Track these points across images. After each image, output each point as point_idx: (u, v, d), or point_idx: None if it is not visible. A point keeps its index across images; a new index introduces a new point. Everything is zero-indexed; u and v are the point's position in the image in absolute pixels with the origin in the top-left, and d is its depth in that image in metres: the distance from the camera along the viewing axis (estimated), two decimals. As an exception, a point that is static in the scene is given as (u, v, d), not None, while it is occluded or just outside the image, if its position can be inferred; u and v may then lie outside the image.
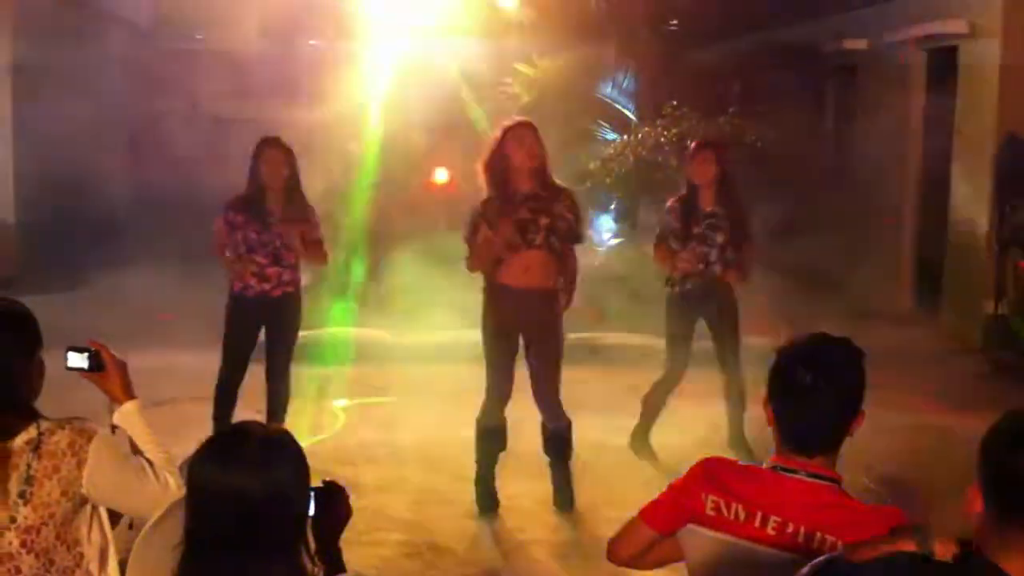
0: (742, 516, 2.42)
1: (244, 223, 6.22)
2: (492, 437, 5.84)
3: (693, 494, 2.48)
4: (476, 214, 5.67)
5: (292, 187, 6.29)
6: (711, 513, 2.45)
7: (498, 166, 5.64)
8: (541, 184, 5.66)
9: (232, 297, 6.30)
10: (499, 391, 5.77)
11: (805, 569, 1.95)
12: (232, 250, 6.26)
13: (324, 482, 2.27)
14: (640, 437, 6.77)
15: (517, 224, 5.57)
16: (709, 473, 2.50)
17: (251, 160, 6.27)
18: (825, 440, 2.44)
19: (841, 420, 2.45)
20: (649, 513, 2.58)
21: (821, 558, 2.00)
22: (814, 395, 2.41)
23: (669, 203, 6.77)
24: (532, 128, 5.68)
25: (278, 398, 6.39)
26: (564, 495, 5.93)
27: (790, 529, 2.38)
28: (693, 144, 6.88)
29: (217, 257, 6.42)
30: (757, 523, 2.40)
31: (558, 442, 5.89)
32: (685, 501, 2.50)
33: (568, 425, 5.91)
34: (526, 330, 5.75)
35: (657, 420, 6.81)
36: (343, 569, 2.29)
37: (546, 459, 5.95)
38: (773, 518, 2.39)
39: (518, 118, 5.87)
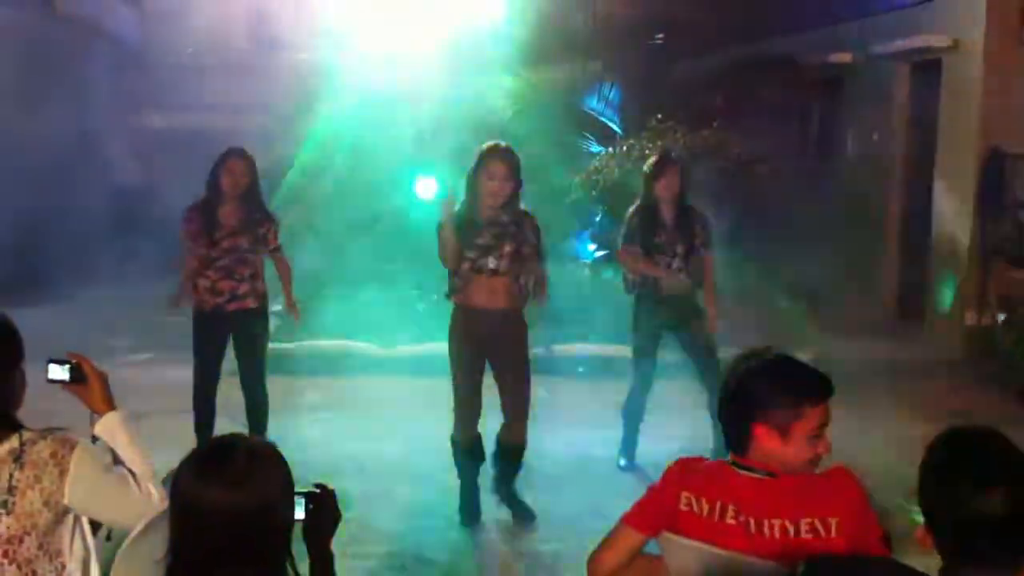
0: (705, 510, 2.52)
1: (196, 235, 6.22)
2: (468, 452, 5.86)
3: (669, 492, 2.61)
4: (444, 219, 5.64)
5: (250, 196, 6.27)
6: (684, 509, 2.56)
7: (470, 190, 5.66)
8: (508, 210, 5.66)
9: (195, 311, 6.30)
10: (469, 405, 5.77)
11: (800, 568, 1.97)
12: (189, 264, 6.28)
13: (315, 486, 2.30)
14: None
15: (480, 249, 5.61)
16: (684, 471, 2.65)
17: (212, 169, 6.25)
18: (731, 439, 2.61)
19: (730, 428, 2.62)
20: (632, 516, 2.70)
21: (814, 557, 2.03)
22: (726, 394, 2.62)
23: (630, 213, 6.80)
24: (504, 158, 5.64)
25: (255, 409, 6.39)
26: (523, 509, 5.94)
27: (757, 525, 2.45)
28: (656, 159, 6.87)
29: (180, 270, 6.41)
30: (717, 516, 2.51)
31: (513, 456, 5.90)
32: (663, 499, 2.63)
33: (524, 447, 5.92)
34: (492, 350, 5.76)
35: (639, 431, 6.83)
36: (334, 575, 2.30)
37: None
38: (740, 514, 2.48)
39: (492, 145, 5.78)
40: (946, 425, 2.20)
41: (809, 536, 2.39)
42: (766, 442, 2.51)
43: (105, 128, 14.43)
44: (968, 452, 1.97)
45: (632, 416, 6.82)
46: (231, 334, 6.36)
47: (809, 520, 2.40)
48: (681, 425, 7.03)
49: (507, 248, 5.64)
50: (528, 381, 5.82)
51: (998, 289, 10.05)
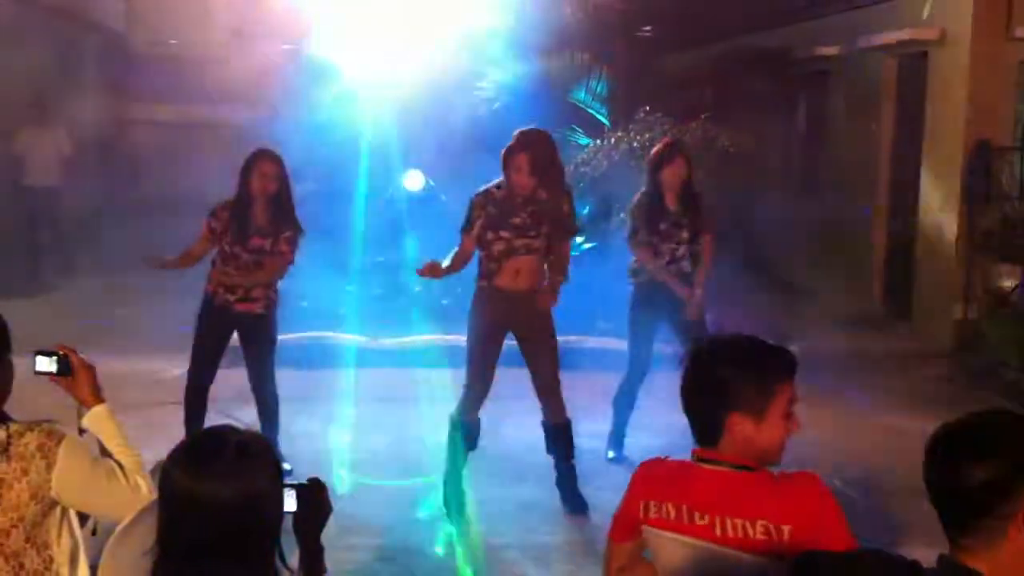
0: (672, 514, 2.49)
1: (223, 232, 6.16)
2: (465, 434, 5.85)
3: (633, 504, 2.59)
4: (476, 206, 5.73)
5: (280, 200, 6.20)
6: (653, 516, 2.53)
7: (505, 168, 5.70)
8: (545, 186, 5.68)
9: (204, 299, 6.24)
10: (479, 389, 5.79)
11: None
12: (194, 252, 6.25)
13: (308, 479, 2.29)
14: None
15: (515, 229, 5.66)
16: (644, 479, 2.61)
17: (242, 169, 6.18)
18: (702, 431, 2.52)
19: (703, 419, 2.52)
20: (613, 531, 2.69)
21: (802, 556, 2.02)
22: (692, 384, 2.53)
23: (633, 202, 6.80)
24: (527, 150, 5.63)
25: (265, 408, 6.33)
26: (573, 495, 5.95)
27: (721, 526, 2.43)
28: (662, 145, 6.85)
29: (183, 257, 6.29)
30: (685, 519, 2.47)
31: (560, 439, 5.92)
32: (629, 511, 2.60)
33: (569, 423, 5.94)
34: (519, 330, 5.81)
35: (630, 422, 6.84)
36: (323, 570, 2.30)
37: (549, 460, 5.98)
38: (705, 515, 2.45)
39: (519, 134, 5.77)
40: (932, 418, 2.21)
41: (763, 538, 2.36)
42: (741, 429, 2.45)
43: (93, 119, 14.35)
44: (963, 426, 1.98)
45: (622, 406, 6.81)
46: (239, 334, 6.30)
47: (764, 522, 2.36)
48: (672, 417, 7.03)
49: (544, 228, 5.69)
50: (557, 358, 5.85)
51: (984, 283, 10.10)
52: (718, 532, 2.41)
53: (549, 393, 5.85)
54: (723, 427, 2.46)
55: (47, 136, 12.37)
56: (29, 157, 12.33)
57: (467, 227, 5.76)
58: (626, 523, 2.62)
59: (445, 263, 5.80)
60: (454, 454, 5.90)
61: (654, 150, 6.89)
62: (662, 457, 2.67)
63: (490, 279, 5.75)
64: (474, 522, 5.85)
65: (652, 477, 2.59)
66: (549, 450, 5.99)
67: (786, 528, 2.34)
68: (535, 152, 5.64)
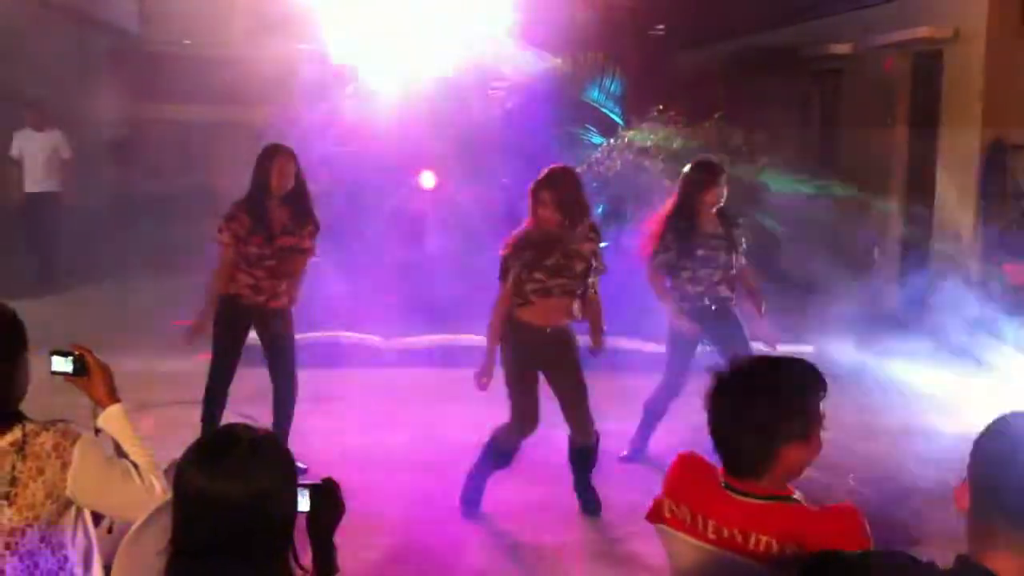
0: (688, 519, 2.48)
1: (247, 236, 6.03)
2: (502, 458, 5.90)
3: (659, 497, 2.58)
4: (510, 256, 5.67)
5: (297, 196, 6.13)
6: (668, 515, 2.53)
7: (532, 202, 5.66)
8: (572, 227, 5.64)
9: (227, 298, 6.10)
10: (524, 427, 5.78)
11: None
12: (231, 263, 6.06)
13: (321, 479, 2.30)
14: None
15: (547, 271, 5.62)
16: (672, 475, 2.59)
17: (257, 165, 6.08)
18: (739, 467, 2.43)
19: (752, 451, 2.40)
20: (649, 515, 2.65)
21: (815, 556, 2.01)
22: (724, 422, 2.41)
23: (663, 220, 6.46)
24: (551, 186, 5.60)
25: (282, 398, 6.33)
26: (590, 498, 5.97)
27: (743, 537, 2.39)
28: (704, 165, 6.50)
29: (215, 273, 6.13)
30: (700, 527, 2.45)
31: (585, 456, 5.95)
32: (657, 501, 2.60)
33: (597, 440, 5.95)
34: (546, 366, 5.79)
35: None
36: (335, 569, 2.30)
37: (569, 467, 5.99)
38: (723, 529, 2.42)
39: (546, 171, 5.71)
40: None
41: (789, 556, 2.33)
42: (790, 456, 2.39)
43: (105, 118, 14.41)
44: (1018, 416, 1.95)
45: (652, 414, 6.73)
46: (258, 331, 6.28)
47: (796, 550, 2.33)
48: (692, 416, 7.01)
49: (579, 267, 5.66)
50: (586, 388, 5.83)
51: (1001, 280, 10.04)
52: (739, 542, 2.38)
53: (579, 423, 5.84)
54: (774, 461, 2.39)
55: (43, 140, 12.10)
56: (27, 161, 12.11)
57: (503, 277, 5.69)
58: (658, 512, 2.61)
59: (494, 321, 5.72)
60: (485, 468, 5.92)
61: (690, 169, 6.52)
62: (698, 454, 2.62)
63: (518, 314, 5.69)
64: (488, 522, 5.85)
65: (680, 477, 2.56)
66: (572, 462, 5.99)
67: None
68: (561, 189, 5.62)
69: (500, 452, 5.86)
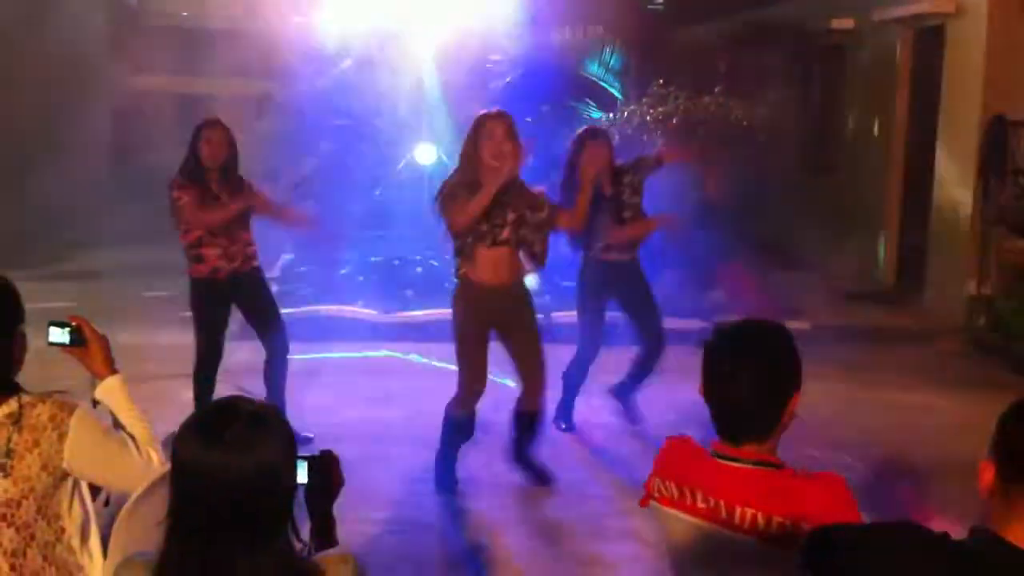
0: (675, 494, 2.48)
1: (199, 204, 6.11)
2: (462, 428, 5.86)
3: (651, 476, 2.58)
4: (453, 184, 5.60)
5: (229, 167, 6.24)
6: (656, 495, 2.54)
7: (468, 158, 5.61)
8: (510, 179, 5.56)
9: (203, 281, 6.20)
10: (474, 388, 5.74)
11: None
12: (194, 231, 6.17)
13: (320, 451, 2.30)
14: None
15: (484, 214, 5.53)
16: (662, 456, 2.59)
17: (191, 139, 6.20)
18: (749, 429, 2.43)
19: (765, 409, 2.42)
20: (643, 498, 2.66)
21: (817, 531, 2.01)
22: (734, 385, 2.40)
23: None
24: (503, 122, 5.57)
25: (276, 358, 6.38)
26: (533, 471, 5.97)
27: (728, 510, 2.39)
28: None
29: (183, 237, 6.23)
30: (688, 500, 2.45)
31: (531, 424, 5.92)
32: (648, 482, 2.60)
33: (541, 414, 5.95)
34: (500, 327, 5.75)
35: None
36: (335, 542, 2.29)
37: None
38: (709, 498, 2.42)
39: (490, 111, 5.73)
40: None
41: (776, 531, 2.33)
42: (793, 407, 2.42)
43: (102, 89, 14.36)
44: None
45: (574, 381, 6.85)
46: (237, 302, 6.33)
47: (781, 520, 2.33)
48: (682, 394, 7.03)
49: (510, 216, 5.60)
50: (541, 350, 5.80)
51: (999, 258, 10.04)
52: (723, 515, 2.39)
53: (532, 390, 5.80)
54: (784, 412, 2.41)
55: None
56: None
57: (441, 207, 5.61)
58: (648, 491, 2.62)
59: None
60: (450, 444, 5.90)
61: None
62: (687, 437, 2.62)
63: (469, 271, 5.65)
64: (487, 496, 5.86)
65: (668, 458, 2.57)
66: (515, 431, 5.97)
67: (804, 526, 2.30)
68: (509, 120, 5.58)
69: (458, 424, 5.83)
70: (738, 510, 2.37)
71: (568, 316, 8.75)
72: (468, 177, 5.58)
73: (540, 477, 5.98)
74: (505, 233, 5.59)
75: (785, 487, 2.37)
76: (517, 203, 5.62)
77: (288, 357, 6.45)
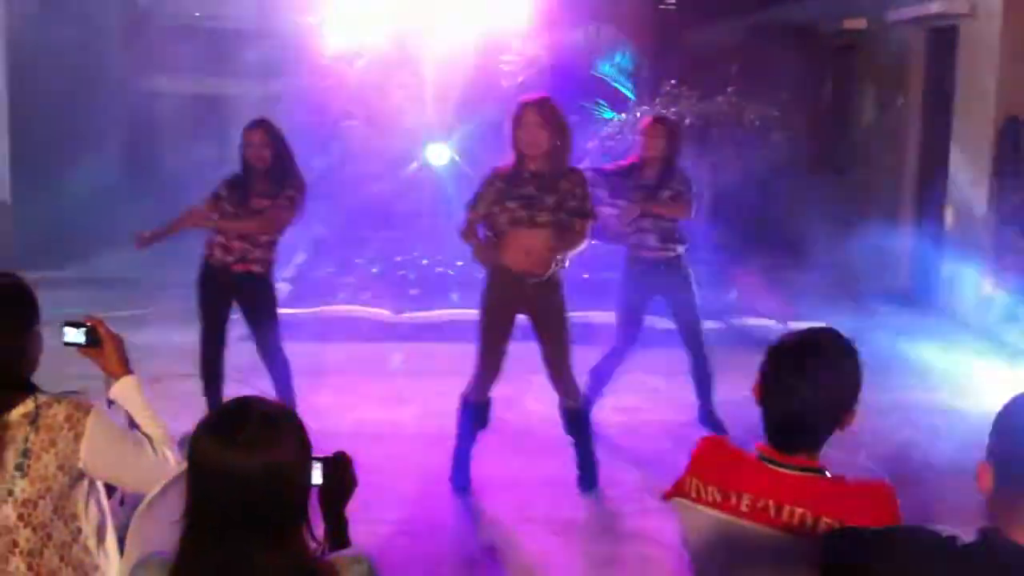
0: (718, 498, 2.46)
1: (226, 197, 6.24)
2: (477, 413, 5.84)
3: (683, 475, 2.56)
4: (485, 183, 5.65)
5: (277, 166, 6.22)
6: (693, 495, 2.52)
7: (511, 144, 5.62)
8: (550, 163, 5.58)
9: (205, 263, 6.27)
10: (490, 369, 5.75)
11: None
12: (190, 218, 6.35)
13: (334, 453, 2.30)
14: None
15: (522, 200, 5.53)
16: (699, 457, 2.57)
17: (240, 143, 6.27)
18: (805, 440, 2.43)
19: (827, 423, 2.43)
20: (670, 492, 2.64)
21: (835, 528, 2.01)
22: (798, 397, 2.39)
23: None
24: (540, 109, 5.55)
25: (277, 376, 6.36)
26: (586, 474, 5.93)
27: (777, 510, 2.39)
28: (648, 118, 6.89)
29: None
30: (733, 501, 2.44)
31: (576, 421, 5.89)
32: (681, 481, 2.57)
33: (584, 409, 5.93)
34: (529, 314, 5.73)
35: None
36: (348, 543, 2.30)
37: (567, 439, 5.95)
38: (757, 502, 2.41)
39: (531, 96, 5.73)
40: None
41: (822, 529, 2.33)
42: (847, 422, 2.44)
43: (115, 89, 14.38)
44: None
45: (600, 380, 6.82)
46: (238, 301, 6.33)
47: (829, 521, 2.32)
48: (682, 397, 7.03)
49: (549, 200, 5.54)
50: (570, 345, 5.76)
51: (1013, 257, 9.99)
52: (772, 514, 2.38)
53: (561, 378, 5.77)
54: (840, 424, 2.44)
55: None
56: None
57: (473, 204, 5.66)
58: (679, 488, 2.60)
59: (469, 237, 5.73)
60: (465, 432, 5.89)
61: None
62: (721, 438, 2.63)
63: (500, 256, 5.62)
64: (499, 496, 5.85)
65: (707, 460, 2.55)
66: (567, 431, 5.95)
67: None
68: (546, 107, 5.57)
69: (474, 410, 5.81)
70: (786, 509, 2.37)
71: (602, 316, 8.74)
72: (510, 164, 5.61)
73: (585, 479, 5.91)
74: (543, 216, 5.56)
75: (836, 492, 2.38)
76: (558, 187, 5.58)
77: (286, 363, 6.40)
